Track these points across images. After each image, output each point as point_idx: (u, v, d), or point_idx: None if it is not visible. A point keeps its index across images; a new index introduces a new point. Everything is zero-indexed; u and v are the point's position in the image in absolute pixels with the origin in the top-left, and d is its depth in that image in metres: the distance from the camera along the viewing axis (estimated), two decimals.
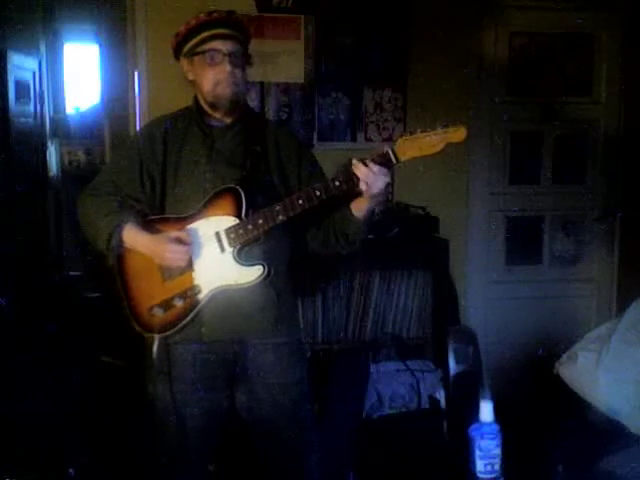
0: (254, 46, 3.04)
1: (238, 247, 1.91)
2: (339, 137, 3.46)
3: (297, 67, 3.37)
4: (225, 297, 1.92)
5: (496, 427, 1.61)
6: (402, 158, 1.83)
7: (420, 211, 3.21)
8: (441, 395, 2.91)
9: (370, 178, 1.81)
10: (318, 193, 1.86)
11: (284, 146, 2.06)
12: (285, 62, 3.35)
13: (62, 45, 6.41)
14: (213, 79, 1.94)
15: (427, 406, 2.89)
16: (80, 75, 6.55)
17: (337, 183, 1.86)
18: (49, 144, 6.09)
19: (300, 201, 1.87)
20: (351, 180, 1.84)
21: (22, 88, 5.36)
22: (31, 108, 5.64)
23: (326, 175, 2.07)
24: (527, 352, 3.43)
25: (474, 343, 2.97)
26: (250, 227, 1.89)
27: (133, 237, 1.92)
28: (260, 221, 1.88)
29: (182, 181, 1.97)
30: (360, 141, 3.47)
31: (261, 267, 1.90)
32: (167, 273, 1.93)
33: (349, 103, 3.45)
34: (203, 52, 1.93)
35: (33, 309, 4.53)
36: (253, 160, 1.98)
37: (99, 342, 3.85)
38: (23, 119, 5.40)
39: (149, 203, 2.00)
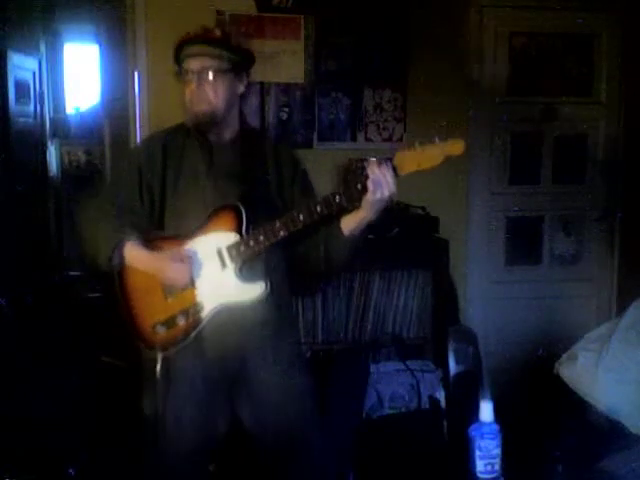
0: (254, 46, 3.04)
1: (240, 264, 1.91)
2: (339, 137, 3.46)
3: (297, 67, 3.37)
4: (227, 313, 1.91)
5: (496, 427, 1.61)
6: (401, 173, 1.83)
7: (420, 211, 3.21)
8: (441, 395, 2.90)
9: (380, 179, 1.80)
10: (319, 208, 1.87)
11: (282, 162, 2.07)
12: (285, 62, 3.35)
13: (62, 45, 6.42)
14: (186, 98, 1.94)
15: (427, 406, 2.89)
16: (80, 75, 6.55)
17: (337, 198, 1.86)
18: (49, 144, 6.10)
19: (301, 217, 1.87)
20: (352, 196, 1.84)
21: (22, 88, 5.37)
22: (31, 108, 5.64)
23: (317, 191, 2.07)
24: (527, 352, 3.44)
25: (474, 343, 2.97)
26: (252, 243, 1.89)
27: (135, 255, 1.90)
28: (261, 237, 1.89)
29: (182, 195, 1.97)
30: (360, 141, 3.47)
31: (263, 284, 1.90)
32: (169, 290, 1.92)
33: (349, 103, 3.45)
34: (181, 72, 1.95)
35: (33, 309, 4.53)
36: (252, 175, 1.98)
37: (99, 342, 3.85)
38: (23, 119, 5.41)
39: (148, 217, 1.99)
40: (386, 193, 1.82)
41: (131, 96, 3.31)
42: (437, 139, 1.81)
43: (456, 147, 1.82)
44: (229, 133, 2.02)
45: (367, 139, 3.48)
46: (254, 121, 3.31)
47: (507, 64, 3.66)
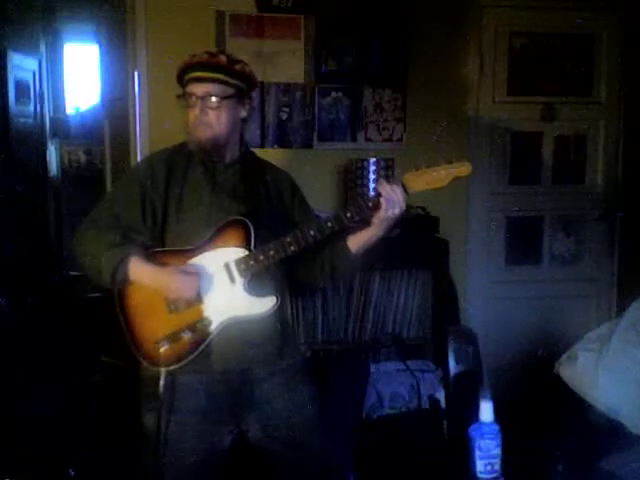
0: (254, 46, 3.06)
1: (248, 278, 1.91)
2: (339, 137, 3.46)
3: (297, 67, 3.37)
4: (231, 329, 1.91)
5: (496, 427, 1.62)
6: (410, 191, 1.91)
7: (420, 211, 3.21)
8: (441, 395, 2.90)
9: (392, 196, 1.88)
10: (330, 224, 1.90)
11: (279, 181, 2.11)
12: (285, 62, 3.35)
13: (62, 45, 6.42)
14: (190, 122, 1.95)
15: (427, 406, 2.89)
16: (80, 75, 6.55)
17: (349, 214, 1.90)
18: (49, 144, 6.10)
19: (312, 232, 1.89)
20: (363, 212, 1.90)
21: (22, 88, 5.37)
22: (31, 108, 5.64)
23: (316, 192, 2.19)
24: (527, 352, 3.43)
25: (474, 343, 2.97)
26: (261, 258, 1.90)
27: (139, 270, 1.87)
28: (271, 252, 1.89)
29: (185, 213, 1.96)
30: (360, 141, 3.47)
31: (274, 298, 1.91)
32: (173, 305, 1.90)
33: (349, 103, 3.45)
34: (184, 95, 1.96)
35: (33, 309, 4.53)
36: (255, 194, 2.00)
37: (99, 342, 3.85)
38: (23, 119, 5.41)
39: (150, 235, 1.97)
40: (397, 211, 1.89)
41: (131, 96, 3.31)
42: (442, 162, 1.90)
43: (463, 169, 1.91)
44: (231, 155, 2.03)
45: (367, 139, 3.48)
46: (254, 121, 3.32)
47: (507, 64, 3.66)
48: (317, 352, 3.01)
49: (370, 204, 1.90)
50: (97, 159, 6.07)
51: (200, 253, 1.92)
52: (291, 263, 2.03)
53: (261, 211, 1.99)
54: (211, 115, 1.94)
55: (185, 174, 2.00)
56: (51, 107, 6.21)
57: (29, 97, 5.58)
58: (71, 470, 2.77)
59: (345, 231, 1.97)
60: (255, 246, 1.91)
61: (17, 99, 5.20)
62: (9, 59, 5.02)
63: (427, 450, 2.65)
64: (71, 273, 5.37)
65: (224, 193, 1.99)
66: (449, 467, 1.96)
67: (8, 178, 4.94)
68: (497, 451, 1.61)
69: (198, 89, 1.93)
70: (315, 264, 2.07)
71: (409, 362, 2.97)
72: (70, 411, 3.20)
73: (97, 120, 5.60)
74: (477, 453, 1.60)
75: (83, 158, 6.33)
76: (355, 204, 1.92)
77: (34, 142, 5.73)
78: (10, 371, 3.42)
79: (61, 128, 6.31)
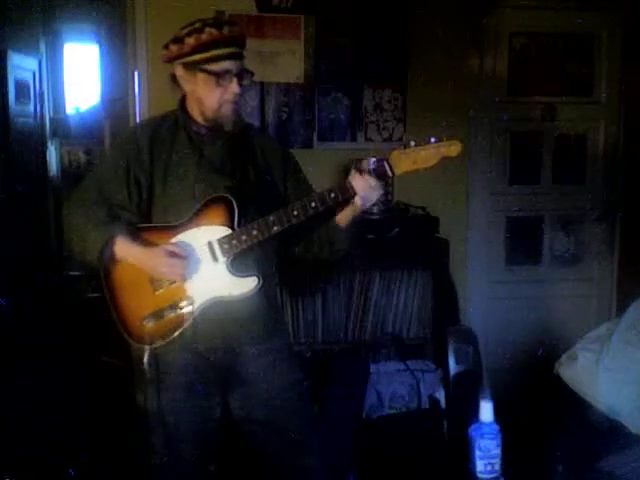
0: (254, 46, 3.05)
1: (231, 257, 1.89)
2: (339, 137, 3.46)
3: (297, 67, 3.37)
4: (217, 306, 1.90)
5: (496, 427, 1.62)
6: (398, 171, 1.86)
7: (420, 211, 3.21)
8: (441, 395, 2.90)
9: (366, 191, 1.86)
10: (313, 204, 1.87)
11: (269, 154, 2.05)
12: (285, 62, 3.35)
13: (62, 45, 6.42)
14: (219, 99, 1.90)
15: (427, 406, 2.89)
16: (80, 75, 6.55)
17: (333, 195, 1.87)
18: (49, 144, 6.10)
19: (295, 212, 1.87)
20: (347, 192, 1.87)
21: (22, 88, 5.37)
22: (31, 108, 5.65)
23: (309, 181, 2.10)
24: (527, 352, 3.44)
25: (474, 343, 2.96)
26: (244, 237, 1.87)
27: (126, 250, 1.87)
28: (255, 232, 1.87)
29: (171, 188, 1.93)
30: (360, 141, 3.47)
31: (256, 278, 1.89)
32: (158, 284, 1.90)
33: (349, 103, 3.45)
34: (212, 71, 1.87)
35: (33, 309, 4.53)
36: (242, 168, 1.97)
37: (99, 342, 3.85)
38: (23, 119, 5.41)
39: (136, 211, 1.95)
40: (375, 198, 1.88)
41: (131, 96, 3.31)
42: (433, 139, 1.83)
43: (453, 149, 1.84)
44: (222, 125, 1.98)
45: (367, 139, 3.48)
46: (254, 121, 3.31)
47: (507, 64, 3.66)
48: (317, 352, 3.01)
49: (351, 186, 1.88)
50: (97, 159, 6.07)
51: (184, 230, 1.90)
52: (281, 241, 2.00)
53: (249, 185, 1.95)
54: (240, 93, 1.91)
55: (171, 148, 1.95)
56: (51, 107, 6.21)
57: (29, 97, 5.59)
58: (71, 470, 2.76)
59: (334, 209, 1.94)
60: (241, 222, 1.88)
61: (17, 99, 5.21)
62: (9, 59, 5.03)
63: (427, 450, 2.65)
64: (71, 273, 5.36)
65: (211, 167, 1.95)
66: (449, 467, 1.96)
67: (8, 178, 4.94)
68: (497, 451, 1.61)
69: (234, 66, 1.88)
70: (305, 240, 2.03)
71: (409, 362, 2.97)
72: (70, 411, 3.20)
73: (97, 120, 5.60)
74: (477, 453, 1.60)
75: (83, 158, 6.33)
76: (339, 184, 1.89)
77: (34, 142, 5.73)
78: (10, 371, 3.42)
79: (61, 128, 6.31)
